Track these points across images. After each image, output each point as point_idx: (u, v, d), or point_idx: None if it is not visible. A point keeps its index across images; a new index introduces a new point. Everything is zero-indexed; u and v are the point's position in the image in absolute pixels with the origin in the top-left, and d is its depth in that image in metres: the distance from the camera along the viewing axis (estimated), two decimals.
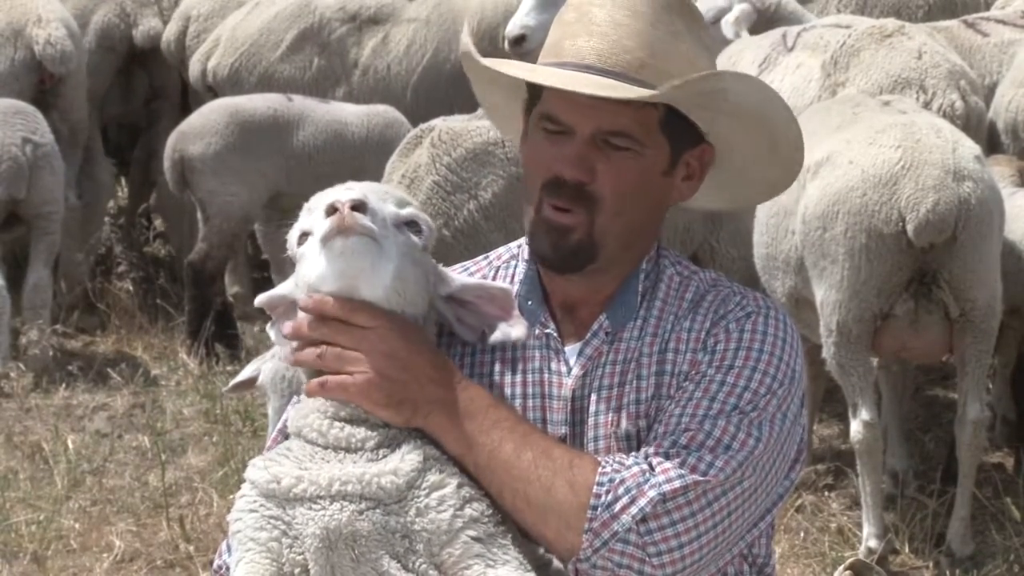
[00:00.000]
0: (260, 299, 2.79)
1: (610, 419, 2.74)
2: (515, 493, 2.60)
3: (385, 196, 2.65)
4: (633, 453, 2.65)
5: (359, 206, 2.54)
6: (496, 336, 2.74)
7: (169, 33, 10.02)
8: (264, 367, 5.18)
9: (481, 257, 2.97)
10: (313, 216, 2.61)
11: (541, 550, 2.66)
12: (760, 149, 2.81)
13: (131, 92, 10.32)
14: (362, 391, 2.59)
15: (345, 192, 2.59)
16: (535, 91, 2.78)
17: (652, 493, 2.57)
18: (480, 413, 2.63)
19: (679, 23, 2.74)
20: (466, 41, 2.86)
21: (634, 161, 2.71)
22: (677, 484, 2.58)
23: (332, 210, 2.54)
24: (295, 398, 2.78)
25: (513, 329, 2.74)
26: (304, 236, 2.62)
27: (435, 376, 2.63)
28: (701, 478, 2.59)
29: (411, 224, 2.64)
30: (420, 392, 2.61)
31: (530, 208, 2.76)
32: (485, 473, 2.61)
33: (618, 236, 2.74)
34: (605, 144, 2.70)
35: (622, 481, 2.58)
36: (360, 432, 2.58)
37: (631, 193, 2.72)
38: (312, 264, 2.60)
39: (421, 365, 2.63)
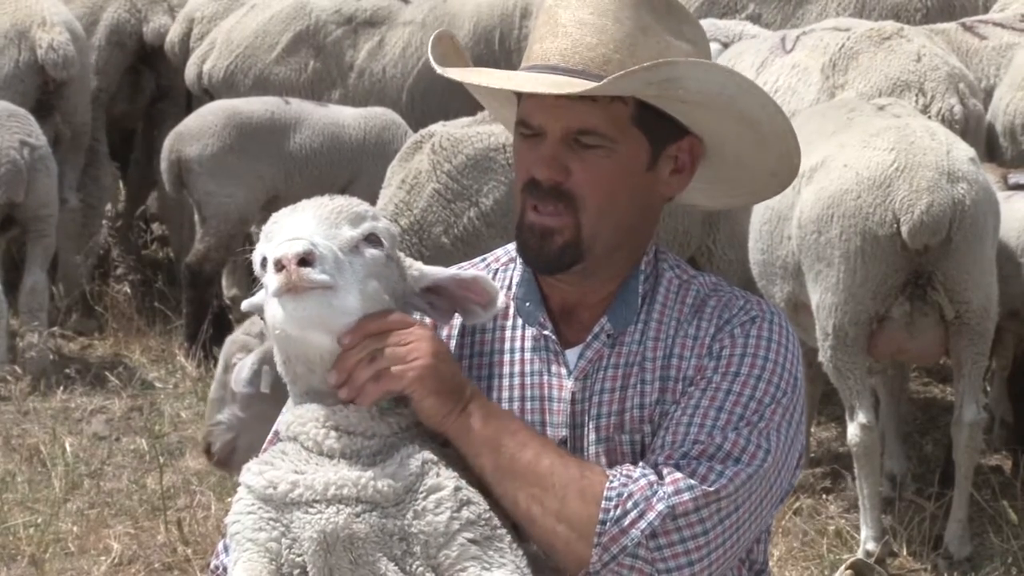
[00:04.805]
0: (245, 305, 2.77)
1: (611, 422, 2.74)
2: (531, 498, 2.60)
3: (338, 218, 2.60)
4: (641, 464, 2.65)
5: (305, 259, 2.50)
6: (470, 319, 2.75)
7: (173, 34, 9.97)
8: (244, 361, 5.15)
9: (479, 259, 2.97)
10: (266, 266, 2.56)
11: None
12: (744, 136, 2.77)
13: (138, 91, 10.29)
14: (419, 377, 2.59)
15: (290, 245, 2.51)
16: (520, 98, 2.77)
17: (660, 507, 2.58)
18: (506, 415, 2.68)
19: (647, 17, 2.71)
20: (430, 56, 2.83)
21: (608, 158, 2.70)
22: (686, 496, 2.58)
23: (280, 266, 2.51)
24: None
25: (487, 310, 2.73)
26: (264, 262, 2.58)
27: (465, 376, 2.69)
28: (710, 489, 2.59)
29: (369, 238, 2.61)
30: (466, 385, 2.65)
31: (518, 213, 2.76)
32: (504, 475, 2.61)
33: (607, 236, 2.73)
34: (576, 143, 2.69)
35: (630, 495, 2.58)
36: (357, 442, 2.58)
37: (611, 190, 2.71)
38: (273, 311, 2.57)
39: (456, 364, 2.69)
